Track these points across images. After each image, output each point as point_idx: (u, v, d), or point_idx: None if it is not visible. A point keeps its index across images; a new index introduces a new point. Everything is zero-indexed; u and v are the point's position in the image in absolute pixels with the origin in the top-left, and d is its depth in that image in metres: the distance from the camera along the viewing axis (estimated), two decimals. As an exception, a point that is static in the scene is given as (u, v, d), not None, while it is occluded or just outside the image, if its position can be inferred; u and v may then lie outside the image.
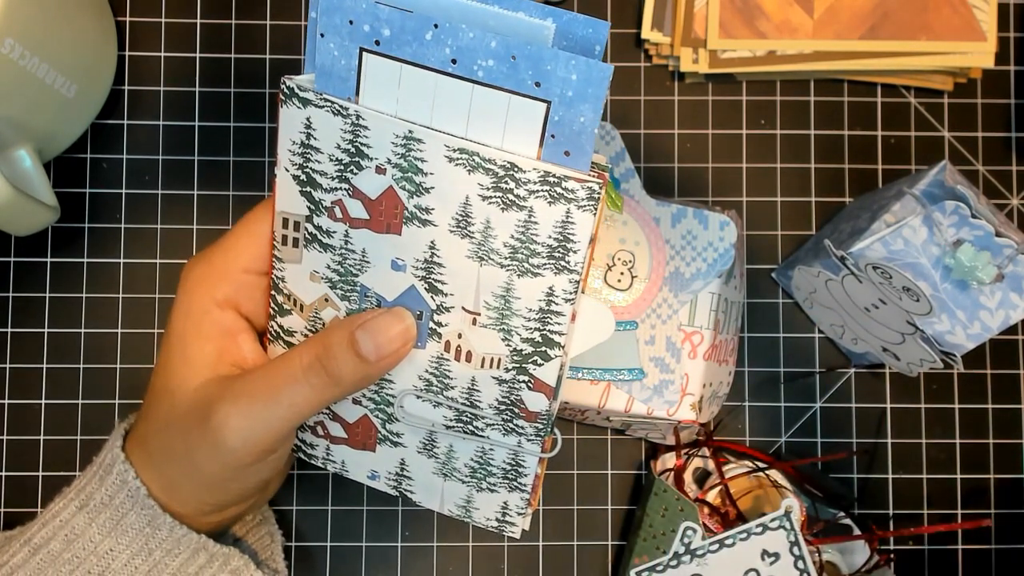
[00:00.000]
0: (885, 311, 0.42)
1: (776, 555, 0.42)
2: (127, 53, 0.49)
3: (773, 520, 0.42)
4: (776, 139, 0.50)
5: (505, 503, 0.38)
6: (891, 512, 0.49)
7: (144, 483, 0.36)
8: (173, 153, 0.49)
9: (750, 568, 0.42)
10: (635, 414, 0.43)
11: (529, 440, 0.36)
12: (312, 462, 0.40)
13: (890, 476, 0.49)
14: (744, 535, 0.42)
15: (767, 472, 0.46)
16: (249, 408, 0.34)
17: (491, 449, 0.37)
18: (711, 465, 0.47)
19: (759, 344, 0.49)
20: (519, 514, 0.38)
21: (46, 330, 0.48)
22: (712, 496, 0.45)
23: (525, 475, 0.37)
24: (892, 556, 0.48)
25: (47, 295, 0.48)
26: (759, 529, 0.42)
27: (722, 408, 0.48)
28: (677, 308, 0.42)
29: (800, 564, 0.42)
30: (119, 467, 0.36)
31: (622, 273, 0.42)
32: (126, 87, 0.49)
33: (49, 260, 0.49)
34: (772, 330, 0.50)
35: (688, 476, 0.47)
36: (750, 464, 0.46)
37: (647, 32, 0.49)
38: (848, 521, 0.47)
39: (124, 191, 0.49)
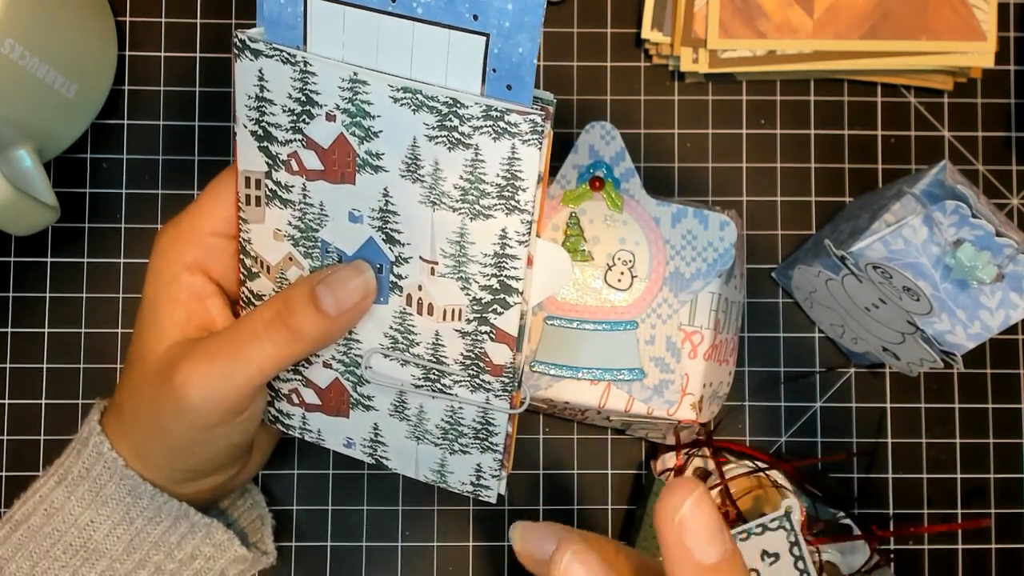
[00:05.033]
0: (885, 311, 0.42)
1: (776, 555, 0.42)
2: (127, 53, 0.49)
3: (773, 520, 0.42)
4: (776, 139, 0.50)
5: (479, 465, 0.38)
6: (891, 512, 0.49)
7: (120, 454, 0.37)
8: (173, 153, 0.49)
9: (750, 568, 0.42)
10: (635, 414, 0.43)
11: (497, 396, 0.36)
12: (289, 433, 0.40)
13: (890, 476, 0.49)
14: (744, 535, 0.42)
15: (767, 472, 0.46)
16: (210, 366, 0.34)
17: (460, 408, 0.37)
18: (711, 465, 0.47)
19: (759, 344, 0.49)
20: (493, 476, 0.38)
21: (46, 330, 0.48)
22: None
23: (496, 434, 0.37)
24: (892, 556, 0.48)
25: (47, 295, 0.48)
26: (759, 529, 0.42)
27: (722, 408, 0.48)
28: (677, 308, 0.42)
29: (800, 564, 0.42)
30: (95, 439, 0.37)
31: (622, 273, 0.42)
32: (126, 87, 0.49)
33: (49, 260, 0.49)
34: (772, 330, 0.50)
35: (688, 476, 0.47)
36: (750, 464, 0.46)
37: (647, 32, 0.49)
38: (848, 521, 0.47)
39: (124, 191, 0.49)
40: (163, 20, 0.50)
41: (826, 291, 0.45)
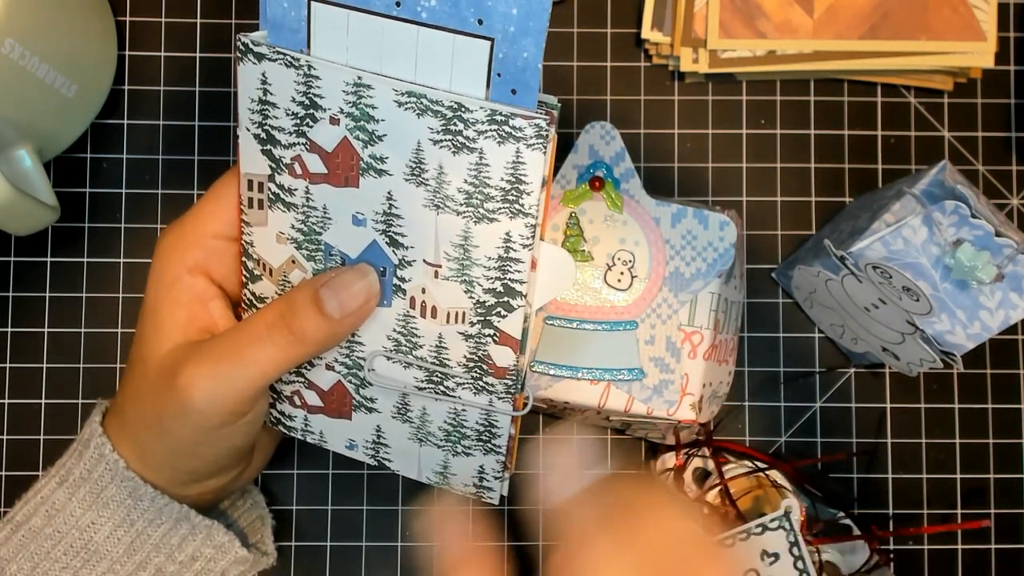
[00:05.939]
0: (885, 311, 0.42)
1: (776, 555, 0.42)
2: (127, 53, 0.49)
3: (773, 520, 0.42)
4: (776, 139, 0.50)
5: (481, 467, 0.38)
6: (891, 512, 0.49)
7: (122, 455, 0.37)
8: (173, 153, 0.49)
9: (750, 568, 0.42)
10: (635, 414, 0.43)
11: (500, 398, 0.36)
12: (291, 435, 0.40)
13: (890, 476, 0.49)
14: (744, 535, 0.42)
15: (767, 472, 0.46)
16: (214, 368, 0.34)
17: (463, 410, 0.37)
18: (711, 465, 0.47)
19: (759, 344, 0.49)
20: (496, 478, 0.38)
21: (46, 330, 0.48)
22: (712, 496, 0.45)
23: (499, 436, 0.37)
24: (892, 556, 0.48)
25: (47, 295, 0.48)
26: (759, 529, 0.42)
27: (722, 408, 0.48)
28: (677, 308, 0.42)
29: (800, 564, 0.42)
30: (96, 441, 0.37)
31: (622, 273, 0.42)
32: (126, 87, 0.49)
33: (49, 260, 0.49)
34: (772, 330, 0.50)
35: (688, 476, 0.47)
36: (750, 464, 0.46)
37: (647, 32, 0.49)
38: (848, 521, 0.47)
39: (124, 191, 0.49)
40: (163, 20, 0.50)
41: (826, 291, 0.45)
